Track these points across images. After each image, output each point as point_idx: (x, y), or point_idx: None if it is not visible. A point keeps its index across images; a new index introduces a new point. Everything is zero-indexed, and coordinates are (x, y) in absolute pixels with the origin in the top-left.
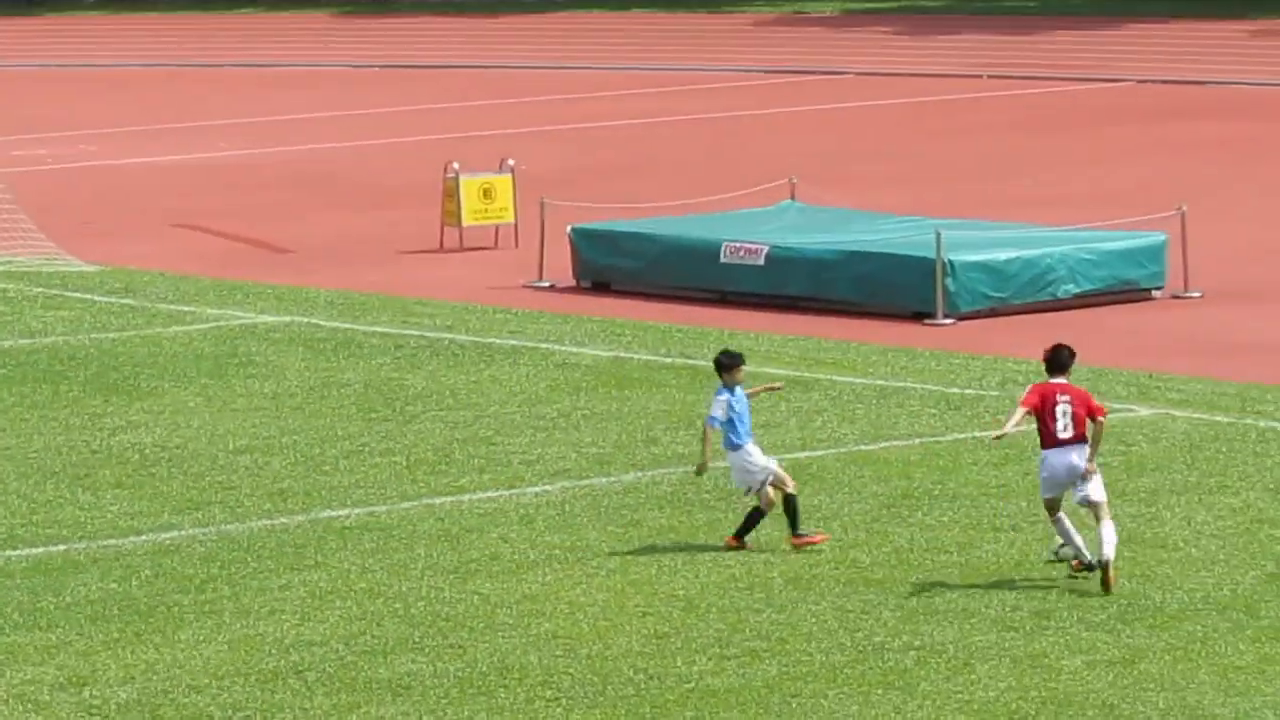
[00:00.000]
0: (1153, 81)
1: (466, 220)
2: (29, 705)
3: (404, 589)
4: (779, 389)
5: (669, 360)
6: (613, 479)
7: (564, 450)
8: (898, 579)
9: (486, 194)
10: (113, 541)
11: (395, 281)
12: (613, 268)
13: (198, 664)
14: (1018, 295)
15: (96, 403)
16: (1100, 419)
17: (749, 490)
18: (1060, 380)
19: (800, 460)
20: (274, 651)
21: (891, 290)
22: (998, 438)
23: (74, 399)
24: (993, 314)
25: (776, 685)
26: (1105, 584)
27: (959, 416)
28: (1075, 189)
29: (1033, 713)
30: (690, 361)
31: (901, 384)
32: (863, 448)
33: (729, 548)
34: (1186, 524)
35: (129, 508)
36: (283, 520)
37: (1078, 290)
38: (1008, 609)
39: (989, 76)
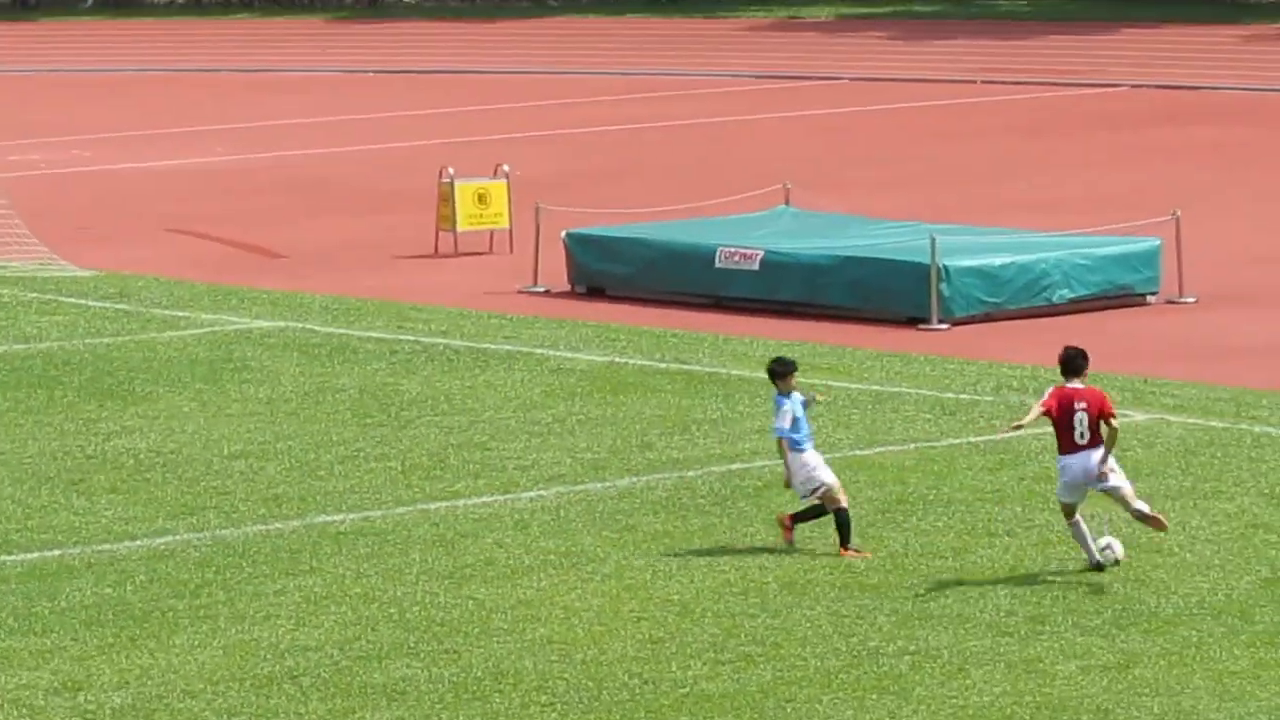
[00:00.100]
0: (1147, 86)
1: (461, 225)
2: (24, 710)
3: (399, 594)
4: (822, 400)
5: (664, 365)
6: (607, 484)
7: (559, 455)
8: (892, 584)
9: (481, 199)
10: (107, 546)
11: (390, 287)
12: (607, 273)
13: (192, 669)
14: (1012, 300)
15: (91, 408)
16: (1113, 423)
17: (805, 494)
18: (1076, 384)
19: None
20: (269, 656)
21: (886, 295)
22: (1016, 427)
23: (69, 404)
24: (987, 319)
25: (771, 690)
26: (1157, 523)
27: (954, 421)
28: (1069, 194)
29: (1027, 718)
30: (685, 367)
31: (896, 389)
32: (858, 453)
33: (780, 523)
34: (1181, 529)
35: (124, 513)
36: (277, 525)
37: (1072, 295)
38: (1002, 614)
39: (983, 81)
